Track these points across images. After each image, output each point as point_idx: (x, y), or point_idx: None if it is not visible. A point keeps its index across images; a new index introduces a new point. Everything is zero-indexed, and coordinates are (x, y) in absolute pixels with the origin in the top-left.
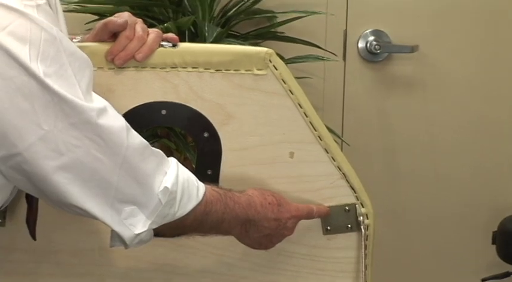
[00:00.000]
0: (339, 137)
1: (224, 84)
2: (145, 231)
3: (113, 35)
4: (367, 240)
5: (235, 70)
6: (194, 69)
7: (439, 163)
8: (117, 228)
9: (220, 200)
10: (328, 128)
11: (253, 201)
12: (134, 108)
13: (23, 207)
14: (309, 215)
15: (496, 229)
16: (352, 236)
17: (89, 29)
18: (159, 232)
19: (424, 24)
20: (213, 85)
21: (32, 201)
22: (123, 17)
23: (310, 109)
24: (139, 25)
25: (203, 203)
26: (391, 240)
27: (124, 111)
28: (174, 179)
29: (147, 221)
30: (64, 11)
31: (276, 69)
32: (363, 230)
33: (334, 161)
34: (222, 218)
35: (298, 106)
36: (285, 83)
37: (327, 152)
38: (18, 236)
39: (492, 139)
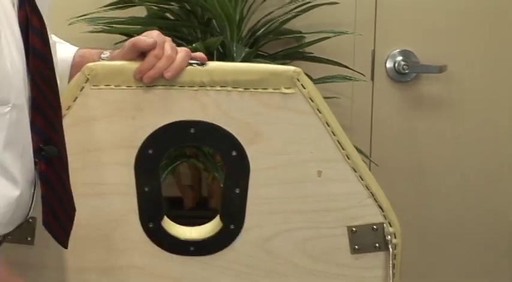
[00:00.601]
0: (367, 157)
1: (252, 103)
2: None
3: (142, 54)
4: (395, 259)
5: (263, 89)
6: (223, 88)
7: (466, 183)
8: None
9: None
10: (356, 148)
11: None
12: (163, 126)
13: None
14: None
15: None
16: (379, 255)
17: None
18: None
19: (452, 44)
20: (242, 104)
21: (47, 201)
22: (152, 35)
23: (338, 128)
24: (168, 44)
25: None
26: (418, 259)
27: (153, 130)
28: None
29: None
30: (93, 32)
31: (304, 88)
32: (390, 249)
33: (362, 180)
34: None
35: (326, 125)
36: (312, 101)
37: (355, 171)
38: (48, 253)
39: None
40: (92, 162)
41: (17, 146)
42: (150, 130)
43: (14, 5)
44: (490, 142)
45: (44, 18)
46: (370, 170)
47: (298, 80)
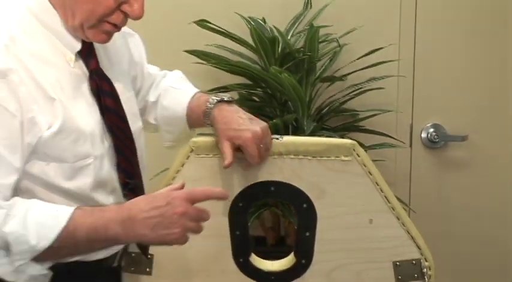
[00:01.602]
0: (407, 206)
1: (319, 168)
2: (15, 268)
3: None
4: None
5: (327, 157)
6: (295, 156)
7: (484, 227)
8: None
9: (86, 214)
10: (398, 199)
11: (124, 205)
12: (250, 185)
13: (168, 258)
14: (191, 195)
15: None
16: None
17: None
18: (42, 259)
19: (473, 119)
20: (310, 168)
21: None
22: (248, 143)
23: (385, 186)
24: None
25: (70, 224)
26: None
27: (242, 188)
28: (18, 221)
29: (12, 260)
30: None
31: (359, 156)
32: (426, 279)
33: (404, 226)
34: (92, 227)
35: (376, 184)
36: (365, 166)
37: (398, 219)
38: (162, 281)
39: None
40: None
41: (106, 187)
42: (240, 188)
43: (85, 76)
44: (501, 194)
45: (115, 80)
46: (409, 216)
47: (354, 150)
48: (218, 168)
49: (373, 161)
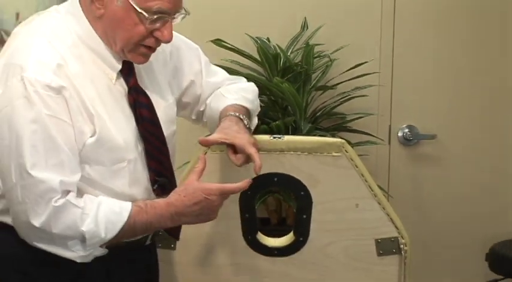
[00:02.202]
0: (386, 192)
1: (314, 162)
2: (88, 253)
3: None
4: (406, 259)
5: (320, 153)
6: (294, 152)
7: (453, 209)
8: (67, 254)
9: (142, 211)
10: (379, 187)
11: (170, 201)
12: (257, 176)
13: (189, 237)
14: (224, 190)
15: (487, 251)
16: (395, 258)
17: None
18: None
19: (440, 121)
20: (307, 162)
21: None
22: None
23: (369, 177)
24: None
25: (130, 219)
26: (421, 260)
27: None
28: (91, 219)
29: (85, 248)
30: None
31: (347, 152)
32: (403, 254)
33: (384, 209)
34: (148, 222)
35: (361, 175)
36: (352, 160)
37: (380, 204)
38: (184, 254)
39: (490, 191)
40: None
41: (140, 185)
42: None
43: (125, 92)
44: (467, 181)
45: (153, 92)
46: (388, 201)
47: (343, 148)
48: (230, 162)
49: (358, 156)
